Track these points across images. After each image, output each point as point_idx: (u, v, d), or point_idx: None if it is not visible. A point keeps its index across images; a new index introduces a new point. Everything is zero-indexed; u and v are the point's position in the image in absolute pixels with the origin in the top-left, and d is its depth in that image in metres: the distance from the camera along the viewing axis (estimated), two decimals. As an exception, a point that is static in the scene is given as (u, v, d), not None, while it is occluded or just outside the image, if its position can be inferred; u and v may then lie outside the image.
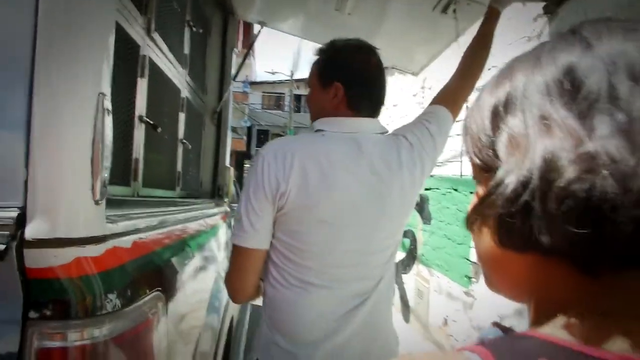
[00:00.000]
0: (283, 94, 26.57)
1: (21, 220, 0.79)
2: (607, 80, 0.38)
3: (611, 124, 0.36)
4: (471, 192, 4.59)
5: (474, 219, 0.48)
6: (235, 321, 2.70)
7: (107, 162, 0.88)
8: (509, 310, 3.65)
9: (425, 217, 5.75)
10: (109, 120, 0.88)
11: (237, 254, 1.17)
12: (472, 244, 4.28)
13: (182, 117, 2.32)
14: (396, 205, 1.23)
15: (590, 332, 0.39)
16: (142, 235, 1.10)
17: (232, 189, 3.39)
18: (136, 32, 1.59)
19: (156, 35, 1.78)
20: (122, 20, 1.46)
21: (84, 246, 0.83)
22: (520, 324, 3.19)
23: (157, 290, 1.06)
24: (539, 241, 0.39)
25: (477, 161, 0.47)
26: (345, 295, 1.18)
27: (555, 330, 0.40)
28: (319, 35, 3.28)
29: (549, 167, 0.37)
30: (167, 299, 1.10)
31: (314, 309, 1.16)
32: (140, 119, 1.65)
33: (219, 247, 2.45)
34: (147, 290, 1.00)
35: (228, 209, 3.38)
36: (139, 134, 1.65)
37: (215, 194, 3.08)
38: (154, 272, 1.12)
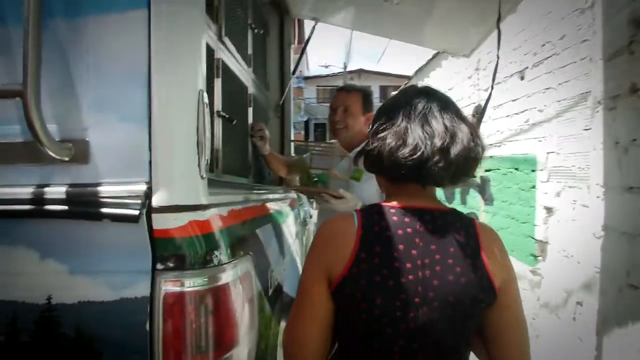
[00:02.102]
0: (337, 86, 26.61)
1: (148, 192, 1.01)
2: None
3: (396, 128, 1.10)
4: (532, 170, 4.59)
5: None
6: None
7: (208, 145, 1.10)
8: (576, 286, 3.65)
9: (487, 199, 5.73)
10: (207, 112, 1.10)
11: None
12: (536, 221, 4.26)
13: (250, 112, 2.54)
14: None
15: (392, 201, 1.12)
16: (234, 207, 1.32)
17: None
18: (211, 38, 1.81)
19: (226, 40, 2.00)
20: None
21: (195, 212, 1.04)
22: (589, 298, 3.21)
23: (248, 254, 1.27)
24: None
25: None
26: None
27: (384, 202, 1.13)
28: (368, 25, 3.42)
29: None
30: (254, 265, 1.31)
31: None
32: (218, 113, 1.87)
33: (289, 230, 2.67)
34: (242, 253, 1.22)
35: (295, 196, 3.60)
36: (217, 127, 1.87)
37: (283, 182, 3.30)
38: (245, 239, 1.33)
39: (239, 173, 2.26)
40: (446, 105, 1.13)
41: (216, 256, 1.06)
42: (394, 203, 1.10)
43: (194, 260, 1.02)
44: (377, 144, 1.11)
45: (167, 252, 1.01)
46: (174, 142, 1.04)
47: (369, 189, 2.00)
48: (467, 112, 6.46)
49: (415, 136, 1.05)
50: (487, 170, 5.74)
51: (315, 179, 2.16)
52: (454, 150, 1.05)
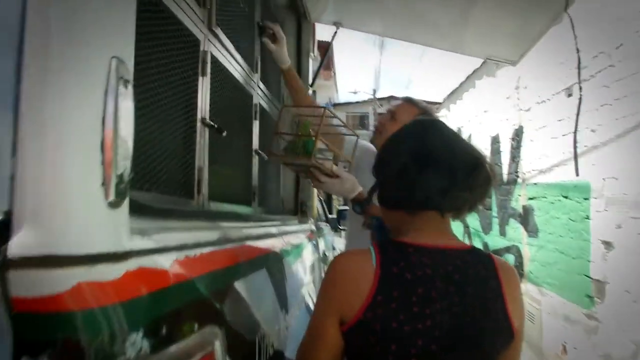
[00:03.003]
0: (367, 113, 26.41)
1: (4, 230, 0.56)
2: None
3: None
4: (585, 199, 4.06)
5: None
6: None
7: (127, 149, 0.65)
8: (641, 335, 3.12)
9: (531, 230, 5.20)
10: (128, 94, 0.65)
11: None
12: (592, 257, 3.73)
13: (256, 125, 2.11)
14: None
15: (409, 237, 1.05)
16: (190, 252, 0.85)
17: (315, 205, 3.16)
18: (194, 24, 1.40)
19: (219, 31, 1.58)
20: (175, 9, 1.27)
21: (93, 266, 0.59)
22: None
23: (212, 324, 0.80)
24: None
25: None
26: None
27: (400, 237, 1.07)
28: (400, 32, 3.00)
29: None
30: (226, 336, 0.84)
31: None
32: (203, 122, 1.45)
33: (303, 269, 2.20)
34: (196, 325, 0.75)
35: (314, 227, 3.15)
36: (202, 139, 1.44)
37: (298, 210, 2.85)
38: (209, 300, 0.87)
39: (237, 200, 1.81)
40: (456, 133, 1.17)
41: (134, 343, 0.60)
42: (412, 239, 1.06)
43: (89, 351, 0.57)
44: (398, 167, 1.09)
45: (38, 338, 0.56)
46: (57, 145, 0.59)
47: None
48: (507, 135, 5.95)
49: (441, 158, 1.06)
50: (530, 199, 5.24)
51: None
52: (478, 175, 1.07)
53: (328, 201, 6.41)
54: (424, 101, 2.17)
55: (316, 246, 3.13)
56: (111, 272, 0.61)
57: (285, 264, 1.60)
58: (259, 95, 2.19)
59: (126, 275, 0.63)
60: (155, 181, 1.13)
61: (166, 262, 0.75)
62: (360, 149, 2.06)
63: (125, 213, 0.66)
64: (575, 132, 3.93)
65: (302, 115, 1.75)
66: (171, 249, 0.79)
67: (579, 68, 2.20)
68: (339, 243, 5.09)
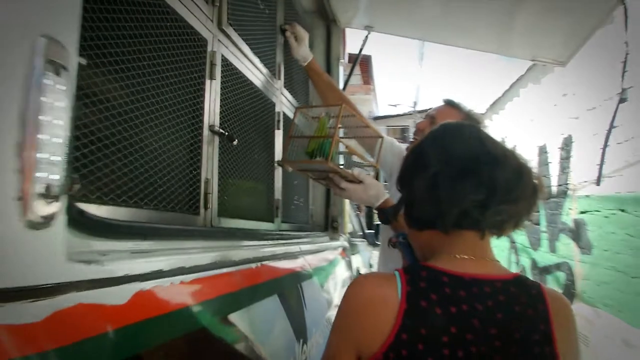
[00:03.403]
0: (407, 126, 26.10)
1: None
2: None
3: None
4: (645, 212, 3.72)
5: None
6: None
7: (61, 153, 0.50)
8: None
9: (584, 246, 4.84)
10: (64, 83, 0.51)
11: None
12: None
13: (278, 135, 1.97)
14: None
15: (443, 262, 0.90)
16: (165, 281, 0.70)
17: (347, 220, 2.98)
18: (200, 23, 1.27)
19: (231, 31, 1.45)
20: (176, 5, 1.15)
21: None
22: None
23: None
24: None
25: None
26: None
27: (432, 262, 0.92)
28: (436, 34, 2.82)
29: None
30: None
31: None
32: (212, 129, 1.31)
33: (331, 291, 2.03)
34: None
35: (347, 244, 2.97)
36: (210, 148, 1.30)
37: (329, 226, 2.68)
38: (178, 344, 0.70)
39: (256, 216, 1.67)
40: (494, 138, 0.99)
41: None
42: (446, 265, 0.91)
43: None
44: (427, 179, 0.92)
45: None
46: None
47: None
48: (555, 145, 5.61)
49: (479, 166, 0.90)
50: (582, 212, 4.89)
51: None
52: (523, 185, 0.91)
53: (369, 213, 6.16)
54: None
55: (349, 264, 2.95)
56: (27, 312, 0.46)
57: (305, 286, 1.43)
58: (282, 103, 2.05)
59: (55, 316, 0.48)
60: (149, 196, 1.00)
61: (124, 295, 0.60)
62: (396, 155, 1.88)
63: (58, 234, 0.51)
64: (606, 140, 3.58)
65: (318, 117, 1.57)
66: (137, 278, 0.64)
67: (624, 67, 1.98)
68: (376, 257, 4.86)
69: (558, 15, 2.33)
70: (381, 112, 27.67)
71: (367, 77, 23.41)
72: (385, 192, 1.52)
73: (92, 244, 0.61)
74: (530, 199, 0.93)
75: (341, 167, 1.49)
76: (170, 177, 1.10)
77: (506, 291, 0.89)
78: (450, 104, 1.87)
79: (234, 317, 0.87)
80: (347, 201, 2.99)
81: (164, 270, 0.71)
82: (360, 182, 1.49)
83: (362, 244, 4.50)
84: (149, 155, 1.02)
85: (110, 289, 0.59)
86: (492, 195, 0.87)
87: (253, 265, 1.08)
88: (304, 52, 1.99)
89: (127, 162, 0.94)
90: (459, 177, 0.89)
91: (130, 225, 0.75)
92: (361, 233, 4.91)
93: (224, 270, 0.91)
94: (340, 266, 2.53)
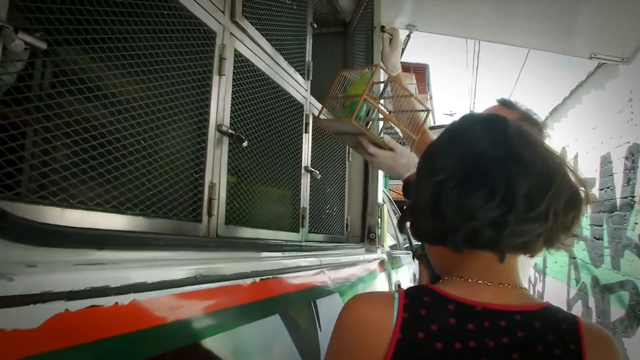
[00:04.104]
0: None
1: None
2: None
3: None
4: None
5: None
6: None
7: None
8: None
9: (652, 264, 4.43)
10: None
11: None
12: None
13: (306, 139, 1.85)
14: None
15: (452, 286, 0.76)
16: (104, 300, 0.57)
17: (386, 230, 2.82)
18: (207, 13, 1.17)
19: (246, 23, 1.34)
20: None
21: None
22: None
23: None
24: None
25: None
26: None
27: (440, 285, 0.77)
28: (486, 31, 2.62)
29: None
30: None
31: None
32: (220, 129, 1.20)
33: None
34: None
35: (384, 257, 2.80)
36: (217, 150, 1.19)
37: (365, 237, 2.52)
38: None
39: (276, 225, 1.54)
40: (525, 132, 0.79)
41: None
42: (455, 290, 0.74)
43: None
44: (434, 190, 0.76)
45: None
46: None
47: None
48: (620, 154, 5.21)
49: (496, 171, 0.71)
50: (650, 226, 4.48)
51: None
52: (553, 196, 0.71)
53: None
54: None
55: (389, 278, 2.79)
56: None
57: (322, 304, 1.29)
58: (312, 104, 1.93)
59: None
60: (132, 200, 0.89)
61: (36, 318, 0.49)
62: None
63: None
64: None
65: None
66: (62, 296, 0.52)
67: None
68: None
69: (619, 9, 2.10)
70: (437, 122, 27.17)
71: (424, 86, 22.96)
72: (414, 162, 1.38)
73: (12, 253, 0.50)
74: (567, 212, 0.75)
75: (373, 131, 1.41)
76: (164, 180, 1.00)
77: (528, 326, 0.72)
78: (504, 104, 1.67)
79: (210, 342, 0.74)
80: (386, 210, 2.83)
81: (110, 287, 0.59)
82: (390, 149, 1.39)
83: (407, 257, 4.30)
84: (136, 155, 0.92)
85: (20, 309, 0.48)
86: (510, 211, 0.70)
87: (248, 281, 0.95)
88: (395, 60, 1.87)
89: (106, 161, 0.84)
90: (468, 186, 0.72)
91: (79, 232, 0.64)
92: (407, 245, 4.70)
93: (204, 286, 0.79)
94: (374, 281, 2.37)
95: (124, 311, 0.60)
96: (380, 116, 1.53)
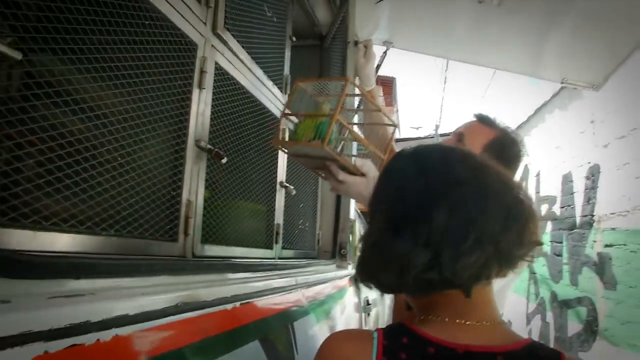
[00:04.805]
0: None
1: None
2: None
3: None
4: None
5: None
6: None
7: None
8: None
9: (608, 281, 4.57)
10: None
11: None
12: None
13: (282, 154, 1.81)
14: None
15: (431, 327, 0.72)
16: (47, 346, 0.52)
17: (357, 247, 2.80)
18: (189, 24, 1.13)
19: (227, 35, 1.31)
20: (160, 4, 1.00)
21: None
22: None
23: None
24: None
25: None
26: None
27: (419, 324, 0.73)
28: (460, 51, 2.65)
29: None
30: None
31: None
32: (198, 145, 1.15)
33: (334, 323, 1.84)
34: None
35: (354, 272, 2.78)
36: (195, 166, 1.15)
37: (337, 253, 2.50)
38: None
39: (250, 242, 1.50)
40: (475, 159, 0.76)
41: None
42: (434, 333, 0.71)
43: None
44: (375, 230, 0.75)
45: None
46: None
47: None
48: (581, 174, 5.37)
49: (416, 213, 0.70)
50: (607, 246, 4.62)
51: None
52: (480, 222, 0.68)
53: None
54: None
55: (358, 294, 2.77)
56: None
57: (298, 327, 1.25)
58: (289, 119, 1.90)
59: None
60: (107, 220, 0.84)
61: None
62: None
63: None
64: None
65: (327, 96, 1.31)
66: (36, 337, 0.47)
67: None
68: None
69: (591, 37, 2.16)
70: (403, 135, 27.49)
71: (390, 99, 23.19)
72: None
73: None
74: (508, 229, 0.70)
75: (345, 156, 1.25)
76: (140, 199, 0.94)
77: None
78: (482, 120, 1.56)
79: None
80: (357, 226, 2.82)
81: (91, 323, 0.54)
82: (362, 175, 1.25)
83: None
84: (112, 172, 0.86)
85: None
86: (440, 252, 0.67)
87: (229, 306, 0.91)
88: (370, 73, 1.82)
89: (82, 180, 0.78)
90: (396, 231, 0.69)
91: (54, 261, 0.59)
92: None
93: (185, 315, 0.74)
94: (344, 298, 2.35)
95: (105, 348, 0.55)
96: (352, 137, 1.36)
